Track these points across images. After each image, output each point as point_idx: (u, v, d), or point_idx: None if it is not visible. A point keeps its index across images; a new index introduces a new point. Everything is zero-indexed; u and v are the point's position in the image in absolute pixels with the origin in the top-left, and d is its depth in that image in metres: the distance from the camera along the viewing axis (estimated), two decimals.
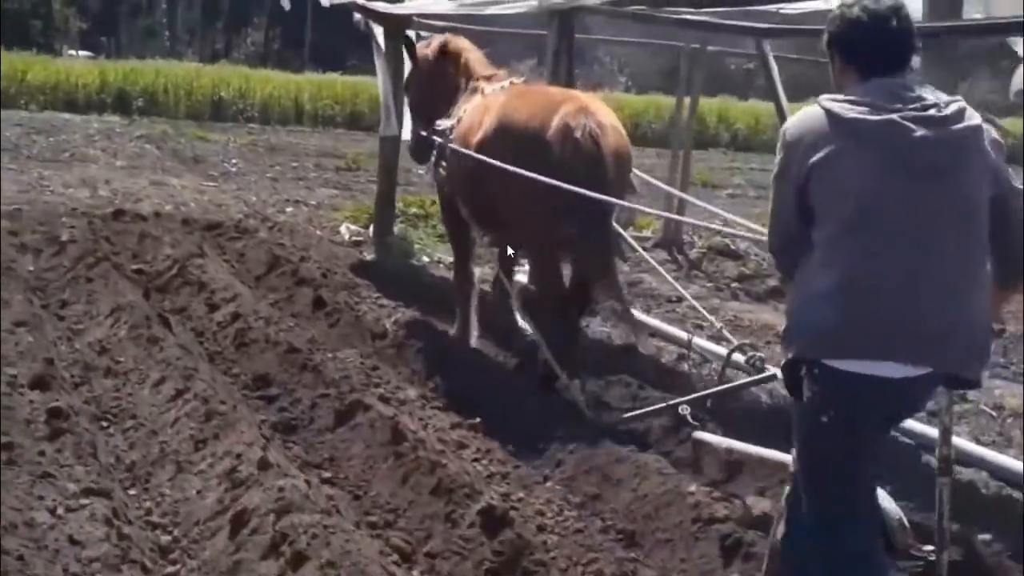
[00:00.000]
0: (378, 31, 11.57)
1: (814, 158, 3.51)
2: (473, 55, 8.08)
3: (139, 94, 27.33)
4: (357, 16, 11.62)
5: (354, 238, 11.96)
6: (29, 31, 38.08)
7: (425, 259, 11.13)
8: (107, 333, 7.55)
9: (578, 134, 6.40)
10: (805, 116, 3.64)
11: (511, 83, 7.50)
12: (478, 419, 6.13)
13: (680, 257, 12.11)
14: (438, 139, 7.59)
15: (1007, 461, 6.14)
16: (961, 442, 5.93)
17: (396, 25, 11.33)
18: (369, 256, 11.03)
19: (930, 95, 3.54)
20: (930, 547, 4.38)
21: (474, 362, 7.50)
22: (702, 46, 12.64)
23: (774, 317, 9.52)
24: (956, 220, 3.49)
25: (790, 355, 3.67)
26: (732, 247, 12.19)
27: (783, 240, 3.80)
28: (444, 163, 7.58)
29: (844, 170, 3.48)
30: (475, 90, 7.65)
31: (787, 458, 4.30)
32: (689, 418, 5.88)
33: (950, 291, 3.48)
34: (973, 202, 3.52)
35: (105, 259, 9.27)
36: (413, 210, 13.46)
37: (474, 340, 7.87)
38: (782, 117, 6.20)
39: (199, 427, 5.64)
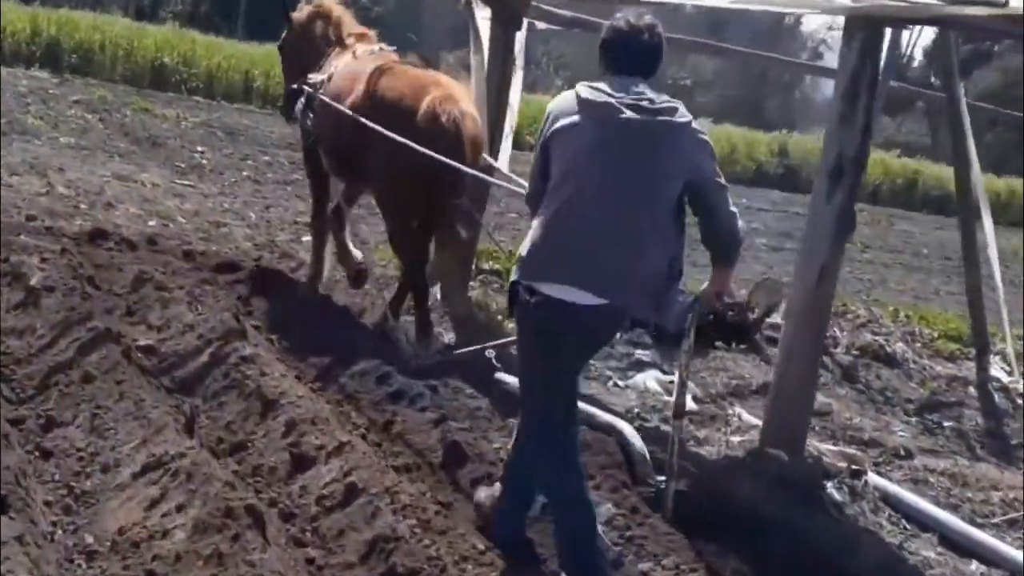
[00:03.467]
0: (482, 15, 8.22)
1: (556, 126, 4.19)
2: (345, 16, 8.11)
3: (72, 49, 23.17)
4: None
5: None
6: None
7: None
8: (147, 522, 4.14)
9: (443, 119, 6.63)
10: (563, 96, 4.30)
11: (381, 49, 7.72)
12: None
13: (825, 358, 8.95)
14: (308, 90, 7.56)
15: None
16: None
17: (511, 10, 8.02)
18: (448, 337, 7.56)
19: (652, 94, 4.15)
20: (662, 477, 4.96)
21: None
22: None
23: None
24: (643, 188, 4.11)
25: (512, 278, 4.26)
26: (886, 348, 9.15)
27: (532, 192, 4.44)
28: (311, 114, 7.56)
29: (570, 137, 4.16)
30: (347, 47, 7.77)
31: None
32: (494, 361, 6.48)
33: (626, 242, 4.09)
34: (662, 177, 4.13)
35: (108, 336, 5.78)
36: (493, 264, 9.49)
37: (324, 278, 8.08)
38: None
39: None
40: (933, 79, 62.87)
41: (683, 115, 4.14)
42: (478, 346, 6.46)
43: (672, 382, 7.35)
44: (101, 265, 7.67)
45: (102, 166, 12.46)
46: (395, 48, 7.82)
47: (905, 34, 8.71)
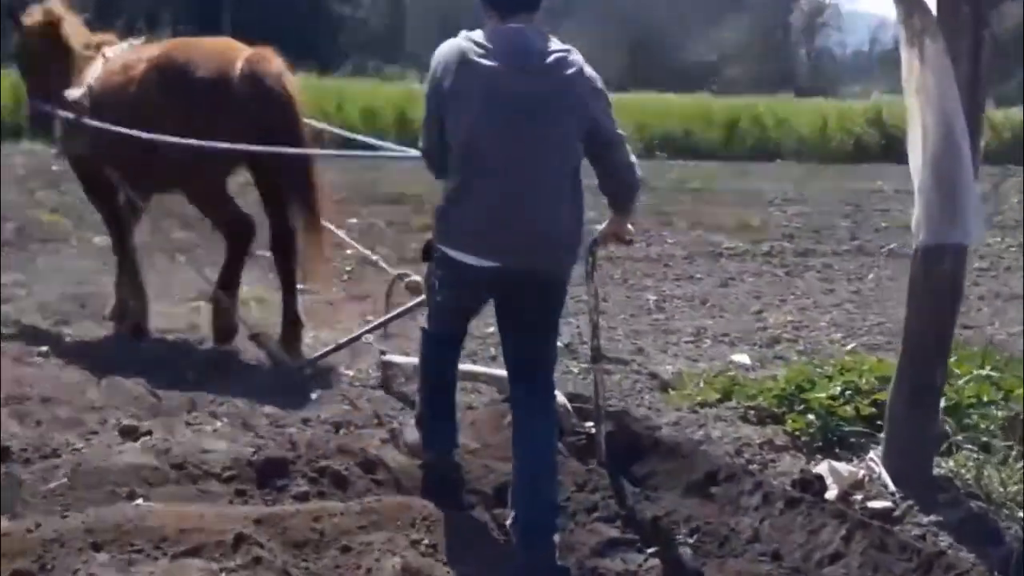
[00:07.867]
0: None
1: (446, 85, 3.92)
2: (78, 25, 7.23)
3: None
4: None
5: (837, 483, 4.58)
6: None
7: None
8: None
9: (267, 80, 6.21)
10: (447, 47, 3.99)
11: (131, 44, 6.99)
12: None
13: None
14: (66, 111, 6.78)
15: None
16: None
17: None
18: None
19: (540, 44, 3.92)
20: (590, 423, 4.92)
21: None
22: None
23: None
24: (543, 150, 3.90)
25: (429, 238, 4.24)
26: None
27: (429, 146, 4.19)
28: (79, 133, 6.75)
29: (461, 103, 3.90)
30: (92, 57, 6.96)
31: (472, 369, 5.58)
32: (374, 344, 6.32)
33: (528, 207, 3.91)
34: (561, 135, 3.92)
35: None
36: (964, 399, 5.23)
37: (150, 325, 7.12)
38: None
39: None
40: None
41: (573, 64, 3.95)
42: (331, 347, 6.40)
43: None
44: (305, 544, 3.87)
45: (170, 279, 8.62)
46: (145, 39, 7.23)
47: None
